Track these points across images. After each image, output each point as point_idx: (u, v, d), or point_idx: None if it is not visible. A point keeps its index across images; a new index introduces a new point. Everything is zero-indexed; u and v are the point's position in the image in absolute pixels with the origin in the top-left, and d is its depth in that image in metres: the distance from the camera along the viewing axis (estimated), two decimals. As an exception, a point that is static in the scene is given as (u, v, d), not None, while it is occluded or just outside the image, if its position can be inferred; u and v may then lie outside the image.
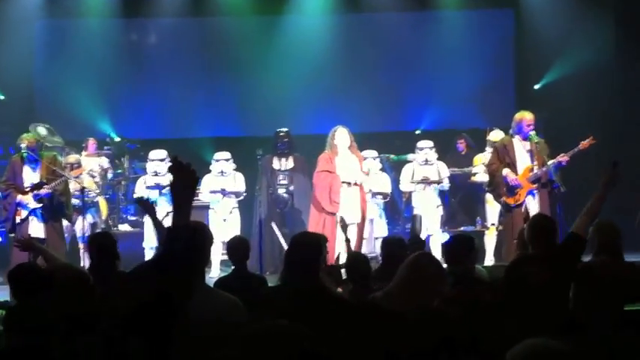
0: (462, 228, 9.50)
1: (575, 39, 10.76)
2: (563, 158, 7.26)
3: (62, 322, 3.33)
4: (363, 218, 8.00)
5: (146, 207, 5.01)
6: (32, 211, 7.51)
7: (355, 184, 7.92)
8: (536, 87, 11.52)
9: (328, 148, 8.05)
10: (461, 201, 10.10)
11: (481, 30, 11.53)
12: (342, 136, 8.03)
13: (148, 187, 8.55)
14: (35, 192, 7.46)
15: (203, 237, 3.33)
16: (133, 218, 9.72)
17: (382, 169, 9.12)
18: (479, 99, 11.19)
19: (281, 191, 8.84)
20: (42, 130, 9.05)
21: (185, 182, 2.78)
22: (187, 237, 2.85)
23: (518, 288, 4.02)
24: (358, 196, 7.94)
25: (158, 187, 8.50)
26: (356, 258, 5.06)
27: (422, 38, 11.57)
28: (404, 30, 11.59)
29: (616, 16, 10.78)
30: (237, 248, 5.15)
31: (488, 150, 8.81)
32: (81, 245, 8.32)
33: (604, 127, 10.16)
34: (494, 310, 3.81)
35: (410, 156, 9.34)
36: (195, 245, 3.14)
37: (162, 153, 8.64)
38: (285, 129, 9.02)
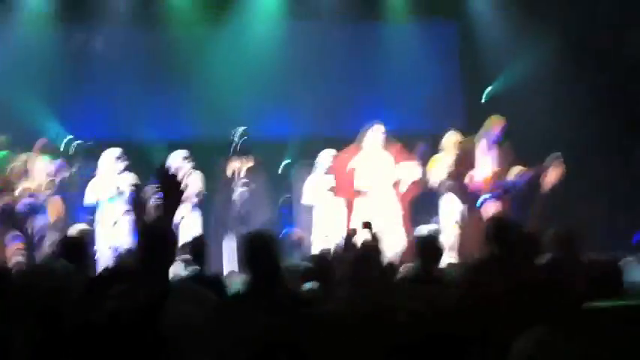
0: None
1: (519, 50, 11.04)
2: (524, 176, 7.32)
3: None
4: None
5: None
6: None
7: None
8: (485, 97, 11.77)
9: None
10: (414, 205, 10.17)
11: (430, 39, 11.75)
12: (374, 135, 7.40)
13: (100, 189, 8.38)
14: None
15: (173, 236, 3.25)
16: (90, 217, 9.49)
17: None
18: (428, 106, 11.38)
19: (238, 192, 8.77)
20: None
21: (173, 187, 2.76)
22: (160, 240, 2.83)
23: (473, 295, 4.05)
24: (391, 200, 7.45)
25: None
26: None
27: (370, 47, 11.74)
28: (352, 39, 11.75)
29: (558, 27, 11.09)
30: (193, 249, 5.10)
31: (443, 154, 8.90)
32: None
33: (550, 138, 10.43)
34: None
35: None
36: (165, 244, 3.10)
37: (115, 152, 8.47)
38: (241, 129, 8.99)
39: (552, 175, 4.52)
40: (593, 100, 10.60)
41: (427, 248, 4.57)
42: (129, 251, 5.33)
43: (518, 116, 10.69)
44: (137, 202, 3.78)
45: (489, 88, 11.68)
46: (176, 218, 7.97)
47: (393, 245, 6.59)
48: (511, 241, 4.22)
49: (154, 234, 3.07)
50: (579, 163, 10.42)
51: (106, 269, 3.25)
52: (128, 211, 8.41)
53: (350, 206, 7.91)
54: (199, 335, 2.96)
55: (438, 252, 4.56)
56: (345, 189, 7.61)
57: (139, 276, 3.01)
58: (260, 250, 3.47)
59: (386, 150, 7.45)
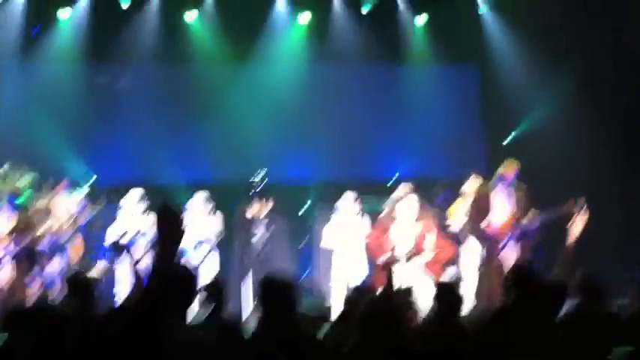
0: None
1: (540, 93, 11.04)
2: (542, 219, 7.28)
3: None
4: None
5: (121, 251, 4.84)
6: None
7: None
8: (505, 143, 11.75)
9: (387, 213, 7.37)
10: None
11: (451, 82, 11.79)
12: (408, 205, 7.21)
13: (121, 231, 8.41)
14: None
15: (191, 278, 3.26)
16: (107, 261, 9.51)
17: (361, 212, 9.08)
18: (450, 150, 11.37)
19: (257, 237, 8.77)
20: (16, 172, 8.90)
21: (172, 225, 2.77)
22: (170, 279, 2.83)
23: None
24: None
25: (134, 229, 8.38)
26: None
27: (391, 91, 11.78)
28: (374, 82, 11.81)
29: (577, 70, 11.09)
30: (211, 292, 5.07)
31: (463, 199, 8.86)
32: (49, 291, 8.12)
33: (573, 180, 10.38)
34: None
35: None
36: (182, 286, 3.10)
37: (137, 194, 8.54)
38: (262, 173, 9.02)
39: (579, 224, 4.48)
40: (614, 144, 10.55)
41: (446, 295, 4.52)
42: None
43: (539, 159, 10.72)
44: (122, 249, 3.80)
45: (512, 133, 11.68)
46: (196, 260, 8.05)
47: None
48: (529, 291, 4.15)
49: (172, 275, 3.07)
50: (598, 207, 10.38)
51: (111, 309, 3.25)
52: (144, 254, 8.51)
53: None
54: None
55: (456, 299, 4.50)
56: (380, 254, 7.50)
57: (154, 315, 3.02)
58: (275, 294, 3.46)
59: (419, 219, 7.23)
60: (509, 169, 7.49)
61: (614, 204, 10.56)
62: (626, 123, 10.49)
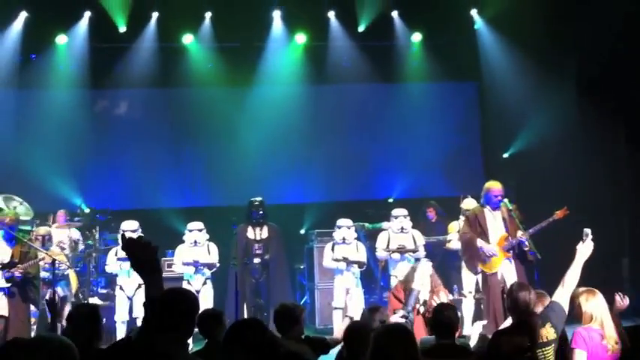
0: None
1: (539, 108, 11.00)
2: (533, 231, 7.30)
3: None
4: None
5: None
6: (0, 289, 7.33)
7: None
8: (505, 155, 11.72)
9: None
10: (436, 269, 10.06)
11: (447, 101, 11.82)
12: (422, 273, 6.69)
13: (119, 259, 8.41)
14: (6, 271, 7.31)
15: (191, 305, 3.22)
16: (104, 291, 9.50)
17: (357, 238, 9.09)
18: (449, 167, 11.39)
19: (256, 261, 8.73)
20: (13, 202, 8.89)
21: (144, 257, 2.89)
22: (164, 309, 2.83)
23: (497, 357, 4.00)
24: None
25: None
26: (353, 327, 4.94)
27: (389, 109, 11.80)
28: (372, 101, 11.84)
29: (575, 83, 11.05)
30: (208, 321, 5.01)
31: (462, 218, 8.85)
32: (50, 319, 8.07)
33: (571, 193, 10.33)
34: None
35: (385, 224, 9.38)
36: (181, 313, 3.07)
37: (133, 224, 8.53)
38: (259, 198, 8.98)
39: (584, 253, 4.49)
40: (610, 161, 10.49)
41: (439, 322, 4.46)
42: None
43: (535, 173, 10.68)
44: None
45: (512, 148, 11.65)
46: (196, 286, 7.99)
47: None
48: (523, 311, 4.13)
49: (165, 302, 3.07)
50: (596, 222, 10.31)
51: (116, 343, 3.21)
52: (141, 284, 8.47)
53: None
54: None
55: (448, 325, 4.43)
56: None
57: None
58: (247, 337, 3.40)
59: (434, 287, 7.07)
60: (490, 190, 7.47)
61: (620, 216, 10.50)
62: (630, 132, 10.41)
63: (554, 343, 4.17)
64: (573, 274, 4.43)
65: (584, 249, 4.54)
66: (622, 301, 4.74)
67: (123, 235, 2.75)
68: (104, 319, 4.29)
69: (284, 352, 3.40)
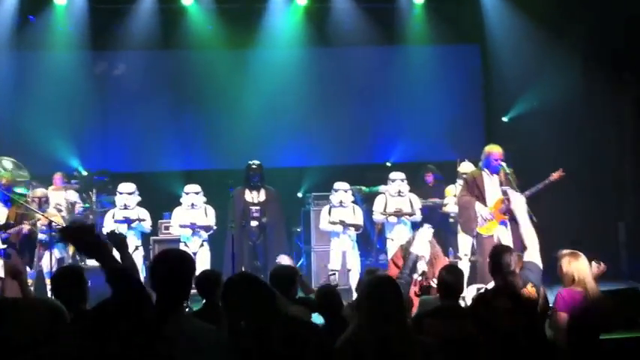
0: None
1: (542, 72, 10.90)
2: (529, 193, 7.31)
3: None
4: None
5: (117, 241, 4.77)
6: (-2, 251, 7.39)
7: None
8: (505, 119, 11.67)
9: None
10: (434, 233, 10.10)
11: (449, 64, 11.68)
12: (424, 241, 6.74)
13: (116, 221, 8.45)
14: (2, 232, 7.34)
15: (187, 267, 3.23)
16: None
17: (354, 202, 9.10)
18: (448, 131, 11.31)
19: (253, 224, 8.74)
20: (8, 164, 8.89)
21: (84, 239, 2.95)
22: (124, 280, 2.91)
23: (481, 319, 4.08)
24: None
25: (127, 220, 8.41)
26: (325, 291, 4.98)
27: (391, 72, 11.68)
28: (373, 64, 11.70)
29: (582, 50, 10.95)
30: (206, 282, 5.03)
31: (459, 182, 8.84)
32: (48, 281, 8.13)
33: (572, 158, 10.31)
34: (471, 342, 3.82)
35: (382, 188, 9.39)
36: (178, 275, 3.08)
37: (130, 186, 8.54)
38: (257, 161, 8.96)
39: (518, 207, 4.60)
40: (611, 126, 10.44)
41: (442, 284, 4.50)
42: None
43: (535, 138, 10.65)
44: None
45: (511, 112, 11.59)
46: (193, 248, 8.04)
47: None
48: (506, 273, 4.17)
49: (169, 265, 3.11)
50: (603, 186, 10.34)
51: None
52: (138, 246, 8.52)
53: None
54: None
55: (451, 287, 4.46)
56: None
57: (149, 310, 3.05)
58: (245, 291, 3.42)
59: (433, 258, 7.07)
60: (490, 154, 7.46)
61: (621, 182, 10.50)
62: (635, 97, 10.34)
63: (537, 301, 4.21)
64: (526, 231, 4.52)
65: (516, 204, 4.62)
66: (598, 267, 4.76)
67: (59, 231, 2.88)
68: (89, 281, 4.27)
69: (285, 318, 3.41)
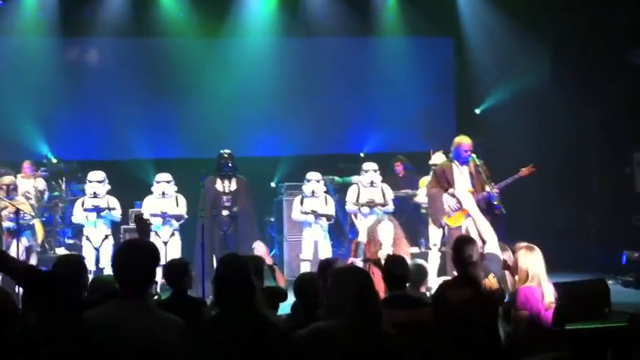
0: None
1: (513, 66, 10.99)
2: (498, 187, 7.34)
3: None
4: None
5: (141, 226, 4.59)
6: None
7: None
8: (477, 111, 11.75)
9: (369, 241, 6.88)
10: (404, 223, 10.13)
11: (422, 56, 11.71)
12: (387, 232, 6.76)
13: (85, 210, 8.35)
14: None
15: (149, 257, 3.20)
16: (71, 242, 9.45)
17: (326, 192, 9.10)
18: (421, 122, 11.36)
19: (224, 213, 8.69)
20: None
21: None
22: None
23: (442, 309, 4.10)
24: None
25: (96, 209, 8.31)
26: (302, 279, 4.97)
27: (365, 63, 11.72)
28: (347, 54, 11.72)
29: (552, 44, 11.06)
30: (174, 271, 5.00)
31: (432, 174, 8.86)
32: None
33: (542, 150, 10.41)
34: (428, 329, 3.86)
35: (355, 178, 9.39)
36: (140, 265, 3.06)
37: (100, 174, 8.45)
38: (228, 150, 8.90)
39: (467, 201, 4.70)
40: (578, 121, 10.55)
41: (389, 274, 4.50)
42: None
43: (506, 130, 10.74)
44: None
45: (483, 105, 11.67)
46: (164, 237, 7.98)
47: None
48: (467, 263, 4.20)
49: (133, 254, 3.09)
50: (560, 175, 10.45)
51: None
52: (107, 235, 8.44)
53: None
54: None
55: (398, 277, 4.46)
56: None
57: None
58: (233, 274, 3.42)
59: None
60: (459, 145, 7.49)
61: (591, 175, 10.61)
62: (606, 92, 10.45)
63: (497, 291, 4.25)
64: (480, 225, 4.60)
65: (464, 199, 4.69)
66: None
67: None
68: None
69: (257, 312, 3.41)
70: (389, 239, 6.66)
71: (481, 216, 4.70)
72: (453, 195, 7.40)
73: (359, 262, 6.49)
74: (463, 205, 4.77)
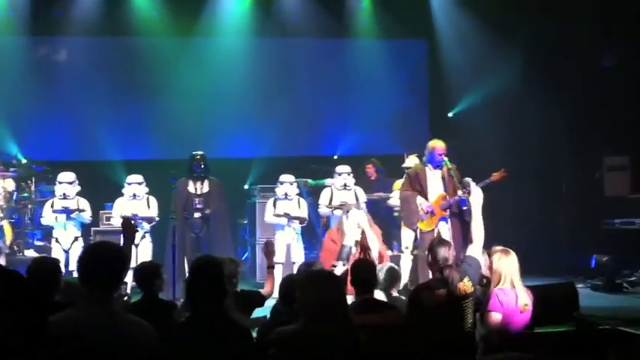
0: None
1: (486, 68, 11.07)
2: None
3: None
4: None
5: (127, 229, 4.50)
6: None
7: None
8: (450, 115, 11.81)
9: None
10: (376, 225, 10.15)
11: (396, 59, 11.73)
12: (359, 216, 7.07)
13: (55, 211, 8.26)
14: None
15: (115, 260, 3.15)
16: (40, 243, 9.31)
17: (299, 194, 9.09)
18: (395, 125, 11.39)
19: (196, 215, 8.63)
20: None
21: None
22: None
23: (417, 311, 4.13)
24: None
25: (66, 210, 8.21)
26: (289, 280, 4.95)
27: (338, 65, 11.70)
28: (321, 56, 11.70)
29: (523, 49, 11.16)
30: (145, 274, 4.95)
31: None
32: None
33: (514, 153, 10.49)
34: (401, 332, 3.86)
35: (328, 181, 9.39)
36: (106, 268, 3.02)
37: (70, 175, 8.34)
38: (200, 152, 8.84)
39: (477, 202, 4.68)
40: (548, 126, 10.66)
41: (355, 279, 4.50)
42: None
43: (478, 134, 10.81)
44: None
45: (456, 108, 11.74)
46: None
47: None
48: (442, 266, 4.21)
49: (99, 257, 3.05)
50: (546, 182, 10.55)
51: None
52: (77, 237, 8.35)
53: None
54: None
55: (363, 281, 4.47)
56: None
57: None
58: (206, 277, 3.40)
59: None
60: (432, 149, 7.53)
61: (561, 179, 10.72)
62: (576, 97, 10.57)
63: (472, 296, 4.28)
64: (476, 227, 4.58)
65: (475, 198, 4.67)
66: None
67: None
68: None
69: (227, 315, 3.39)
70: (364, 223, 6.68)
71: (480, 217, 4.64)
72: (426, 198, 7.45)
73: (341, 266, 6.47)
74: (471, 197, 4.73)
